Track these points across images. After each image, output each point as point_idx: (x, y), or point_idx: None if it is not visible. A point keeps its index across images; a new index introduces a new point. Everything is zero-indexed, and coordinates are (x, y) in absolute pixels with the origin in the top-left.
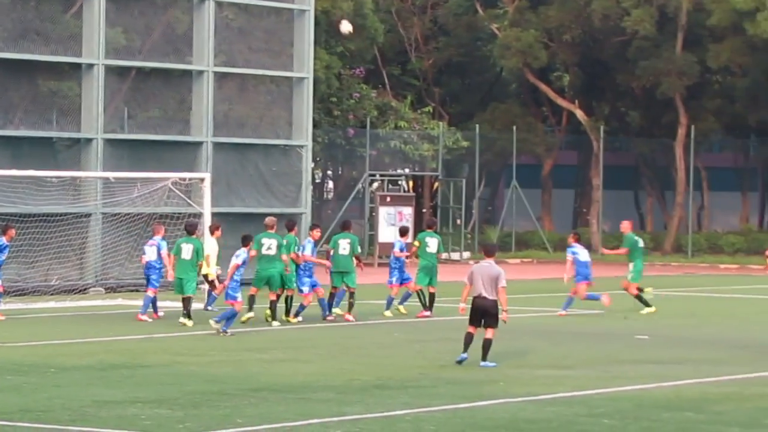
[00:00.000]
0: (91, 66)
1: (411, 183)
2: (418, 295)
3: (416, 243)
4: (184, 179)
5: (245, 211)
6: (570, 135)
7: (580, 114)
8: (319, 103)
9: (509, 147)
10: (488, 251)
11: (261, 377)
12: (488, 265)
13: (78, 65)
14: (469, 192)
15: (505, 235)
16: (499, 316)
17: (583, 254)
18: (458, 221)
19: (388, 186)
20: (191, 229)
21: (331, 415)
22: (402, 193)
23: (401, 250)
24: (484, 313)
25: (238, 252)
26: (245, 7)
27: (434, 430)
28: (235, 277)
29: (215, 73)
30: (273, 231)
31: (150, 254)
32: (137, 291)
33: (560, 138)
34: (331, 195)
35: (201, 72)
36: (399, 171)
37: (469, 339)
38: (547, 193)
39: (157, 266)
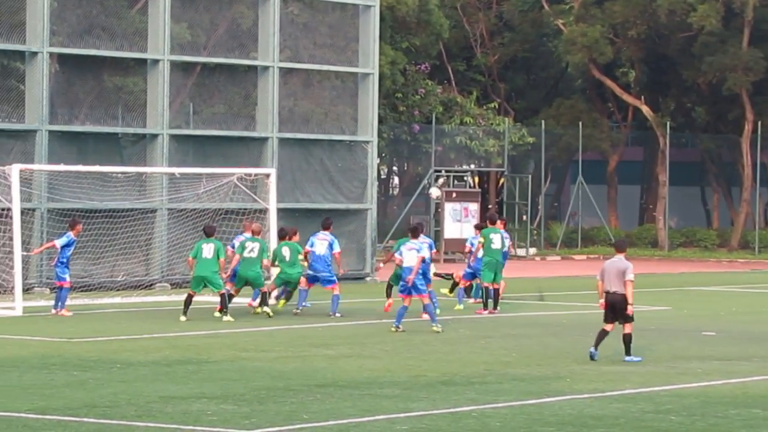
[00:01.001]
0: (156, 62)
1: (476, 179)
2: (485, 291)
3: (481, 239)
4: (250, 175)
5: (310, 207)
6: (636, 131)
7: (645, 110)
8: (385, 98)
9: (575, 143)
10: (619, 247)
11: (327, 373)
12: (618, 260)
13: (143, 61)
14: (534, 188)
15: (570, 231)
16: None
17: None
18: (524, 217)
19: (453, 182)
20: (210, 231)
21: (397, 411)
22: (467, 189)
23: (472, 246)
24: (616, 308)
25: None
26: (310, 2)
27: (500, 427)
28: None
29: (280, 68)
30: (258, 236)
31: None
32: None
33: (626, 134)
34: (396, 191)
35: (266, 67)
36: (464, 167)
37: (602, 336)
38: (612, 189)
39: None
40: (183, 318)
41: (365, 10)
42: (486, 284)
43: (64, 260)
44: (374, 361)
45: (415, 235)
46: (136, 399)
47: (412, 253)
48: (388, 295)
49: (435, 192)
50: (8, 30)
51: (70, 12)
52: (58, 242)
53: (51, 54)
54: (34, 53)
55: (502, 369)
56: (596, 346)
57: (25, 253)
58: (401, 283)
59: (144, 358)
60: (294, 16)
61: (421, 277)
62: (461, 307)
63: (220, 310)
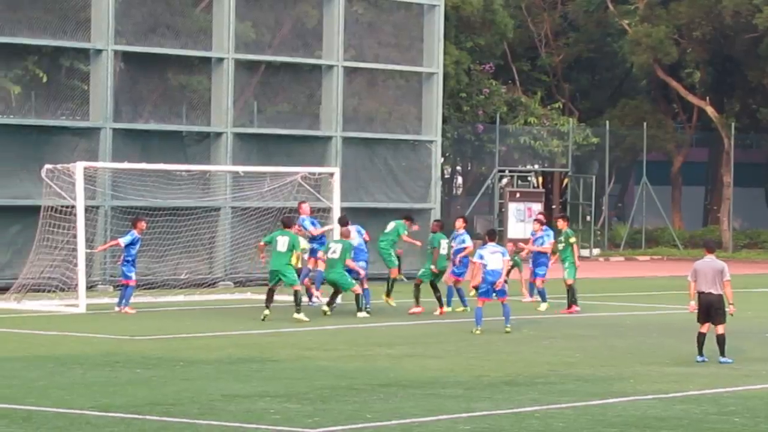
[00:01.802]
0: (220, 60)
1: (540, 179)
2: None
3: (572, 240)
4: (314, 174)
5: (374, 206)
6: (700, 132)
7: (710, 111)
8: (449, 98)
9: (639, 143)
10: (709, 247)
11: (390, 372)
12: (710, 260)
13: (208, 59)
14: (598, 188)
15: (634, 232)
16: (726, 309)
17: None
18: (587, 218)
19: (517, 182)
20: (288, 222)
21: (460, 411)
22: (531, 189)
23: (541, 245)
24: (711, 309)
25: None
26: (375, 1)
27: (563, 428)
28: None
29: (345, 67)
30: (346, 238)
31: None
32: (266, 285)
33: (690, 135)
34: (460, 191)
35: (330, 67)
36: (528, 167)
37: (702, 339)
38: (677, 190)
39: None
40: (266, 312)
41: (430, 9)
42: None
43: (130, 258)
44: (437, 360)
45: (493, 239)
46: (199, 397)
47: (497, 256)
48: (417, 299)
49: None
50: (73, 28)
51: (135, 10)
52: (122, 240)
53: (116, 52)
54: (99, 51)
55: (565, 369)
56: (700, 351)
57: (89, 251)
58: (483, 285)
59: (207, 356)
60: (359, 15)
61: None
62: (543, 306)
63: (296, 308)
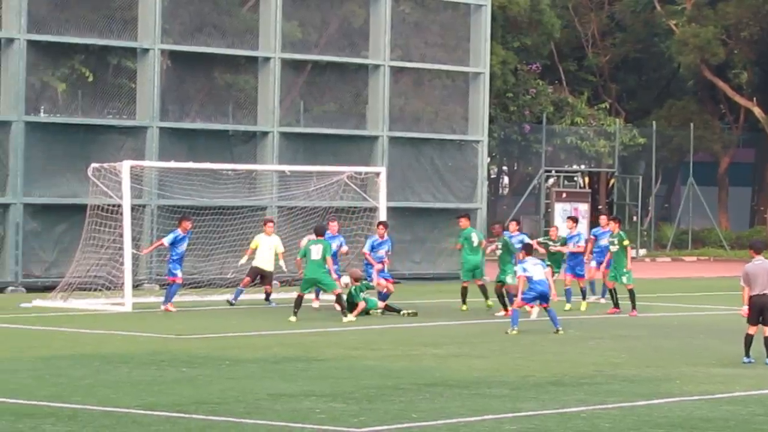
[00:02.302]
0: (267, 59)
1: (586, 179)
2: (611, 292)
3: (626, 242)
4: (360, 173)
5: (420, 206)
6: (747, 132)
7: (757, 111)
8: (495, 98)
9: (686, 144)
10: (757, 248)
11: (435, 372)
12: (761, 261)
13: (254, 58)
14: (645, 189)
15: (681, 232)
16: None
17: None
18: (634, 218)
19: (563, 182)
20: (321, 231)
21: (506, 411)
22: (577, 189)
23: (577, 243)
24: (764, 310)
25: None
26: (422, 1)
27: (609, 428)
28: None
29: (391, 67)
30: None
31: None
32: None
33: (737, 135)
34: (506, 191)
35: (377, 66)
36: (575, 167)
37: (749, 340)
38: (723, 191)
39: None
40: (293, 318)
41: (477, 9)
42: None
43: (176, 257)
44: (483, 360)
45: (530, 253)
46: (244, 396)
47: (538, 267)
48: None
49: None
50: (120, 27)
51: (182, 9)
52: (166, 240)
53: (162, 51)
54: (146, 50)
55: (611, 370)
56: (747, 352)
57: (135, 252)
58: (530, 293)
59: (253, 355)
60: (405, 14)
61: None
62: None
63: (342, 311)
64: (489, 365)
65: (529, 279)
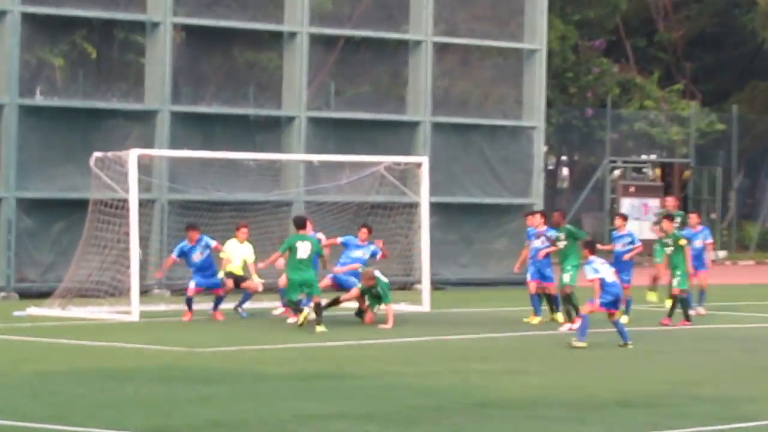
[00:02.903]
0: (293, 35)
1: (658, 171)
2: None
3: (682, 242)
4: (399, 164)
5: (467, 202)
6: None
7: None
8: (553, 78)
9: None
10: None
11: (485, 391)
12: None
13: (279, 34)
14: (725, 182)
15: (766, 232)
16: None
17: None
18: (712, 215)
19: (631, 174)
20: (301, 223)
21: None
22: (648, 183)
23: (630, 244)
24: None
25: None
26: None
27: None
28: None
29: (435, 43)
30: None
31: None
32: (346, 290)
33: None
34: (565, 184)
35: (418, 42)
36: (644, 157)
37: None
38: None
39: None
40: (322, 328)
41: None
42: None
43: (193, 268)
44: (539, 377)
45: (594, 251)
46: (268, 417)
47: (606, 267)
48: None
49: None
50: None
51: None
52: (174, 255)
53: (175, 25)
54: (156, 24)
55: (686, 389)
56: None
57: (142, 253)
58: (607, 297)
59: (277, 370)
60: None
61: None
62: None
63: (316, 320)
64: (546, 383)
65: (602, 281)
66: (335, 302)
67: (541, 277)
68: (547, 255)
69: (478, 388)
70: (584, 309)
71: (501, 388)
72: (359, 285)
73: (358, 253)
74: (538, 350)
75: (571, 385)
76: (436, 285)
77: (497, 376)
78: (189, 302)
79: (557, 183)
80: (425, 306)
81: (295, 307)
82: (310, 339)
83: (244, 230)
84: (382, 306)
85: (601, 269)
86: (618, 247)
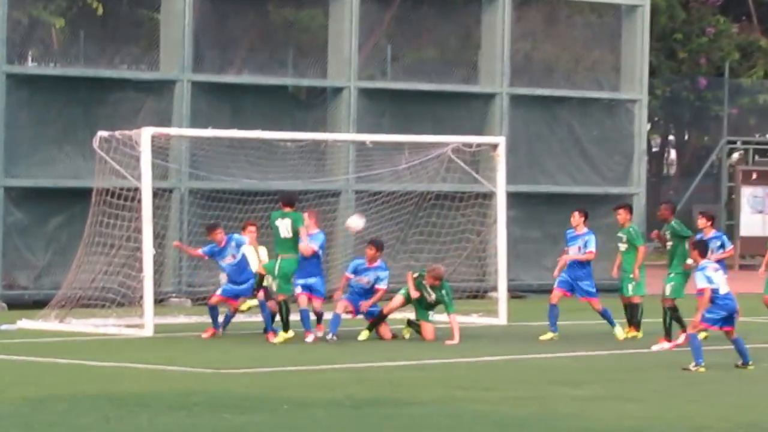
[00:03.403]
0: None
1: None
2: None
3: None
4: (470, 145)
5: (554, 191)
6: None
7: None
8: (658, 41)
9: None
10: None
11: (574, 420)
12: None
13: None
14: None
15: None
16: None
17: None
18: None
19: (753, 157)
20: (290, 200)
21: None
22: None
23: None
24: None
25: None
26: None
27: None
28: None
29: None
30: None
31: None
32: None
33: None
34: (673, 169)
35: None
36: None
37: None
38: None
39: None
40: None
41: None
42: None
43: (225, 272)
44: (640, 405)
45: (705, 254)
46: None
47: (720, 274)
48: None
49: (355, 223)
50: None
51: None
52: (202, 251)
53: None
54: None
55: None
56: None
57: (156, 257)
58: (719, 312)
59: (321, 396)
60: None
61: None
62: None
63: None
64: (648, 411)
65: (714, 292)
66: (381, 317)
67: (574, 289)
68: (586, 263)
69: (566, 417)
70: (691, 327)
71: (593, 417)
72: (403, 291)
73: (363, 280)
74: (637, 372)
75: (678, 413)
76: (515, 292)
77: (588, 403)
78: (212, 314)
79: (663, 168)
80: (501, 318)
81: (282, 306)
82: (360, 357)
83: (252, 230)
84: (434, 316)
85: (714, 277)
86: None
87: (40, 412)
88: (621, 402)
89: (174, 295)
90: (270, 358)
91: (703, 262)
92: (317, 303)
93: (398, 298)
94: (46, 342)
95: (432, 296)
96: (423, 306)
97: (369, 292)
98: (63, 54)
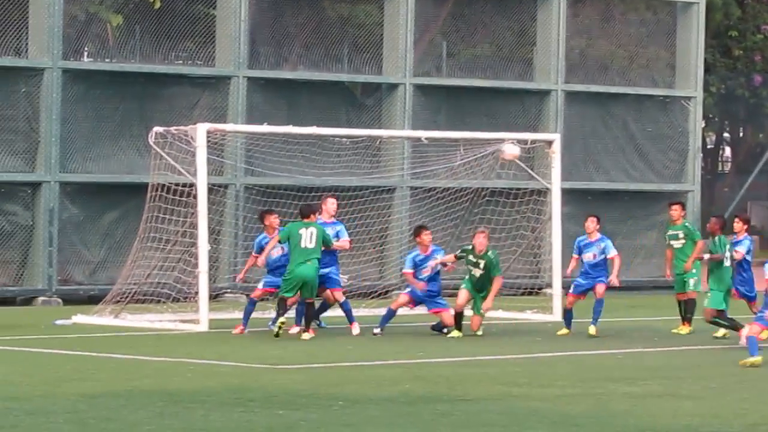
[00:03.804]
0: None
1: None
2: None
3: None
4: (525, 142)
5: (608, 188)
6: None
7: None
8: (714, 38)
9: None
10: None
11: (629, 418)
12: None
13: None
14: None
15: None
16: None
17: None
18: None
19: None
20: (308, 212)
21: None
22: None
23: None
24: None
25: None
26: None
27: None
28: None
29: None
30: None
31: None
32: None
33: None
34: (728, 167)
35: None
36: None
37: None
38: None
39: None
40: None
41: None
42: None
43: (269, 267)
44: (695, 402)
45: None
46: None
47: None
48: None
49: (510, 150)
50: None
51: None
52: (256, 253)
53: None
54: None
55: None
56: None
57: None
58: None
59: (376, 393)
60: None
61: None
62: None
63: (305, 327)
64: (704, 409)
65: None
66: (459, 316)
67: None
68: (601, 264)
69: (621, 415)
70: (751, 329)
71: (648, 414)
72: (464, 284)
73: (426, 271)
74: (693, 369)
75: (734, 411)
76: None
77: (643, 401)
78: (248, 309)
79: (718, 166)
80: (556, 315)
81: (281, 308)
82: (415, 353)
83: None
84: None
85: None
86: (737, 255)
87: (95, 407)
88: (675, 399)
89: (229, 290)
90: (325, 355)
91: None
92: (338, 294)
93: (463, 294)
94: (101, 337)
95: (481, 264)
96: (476, 287)
97: (432, 279)
98: (119, 50)
